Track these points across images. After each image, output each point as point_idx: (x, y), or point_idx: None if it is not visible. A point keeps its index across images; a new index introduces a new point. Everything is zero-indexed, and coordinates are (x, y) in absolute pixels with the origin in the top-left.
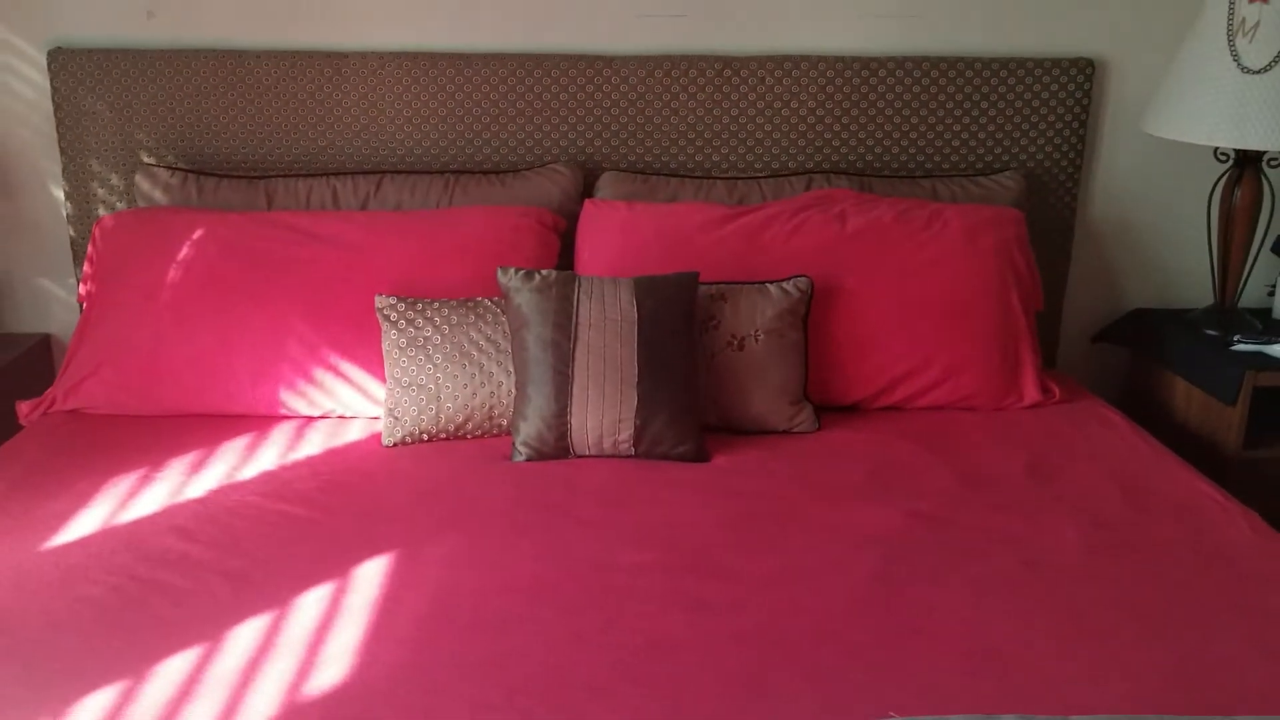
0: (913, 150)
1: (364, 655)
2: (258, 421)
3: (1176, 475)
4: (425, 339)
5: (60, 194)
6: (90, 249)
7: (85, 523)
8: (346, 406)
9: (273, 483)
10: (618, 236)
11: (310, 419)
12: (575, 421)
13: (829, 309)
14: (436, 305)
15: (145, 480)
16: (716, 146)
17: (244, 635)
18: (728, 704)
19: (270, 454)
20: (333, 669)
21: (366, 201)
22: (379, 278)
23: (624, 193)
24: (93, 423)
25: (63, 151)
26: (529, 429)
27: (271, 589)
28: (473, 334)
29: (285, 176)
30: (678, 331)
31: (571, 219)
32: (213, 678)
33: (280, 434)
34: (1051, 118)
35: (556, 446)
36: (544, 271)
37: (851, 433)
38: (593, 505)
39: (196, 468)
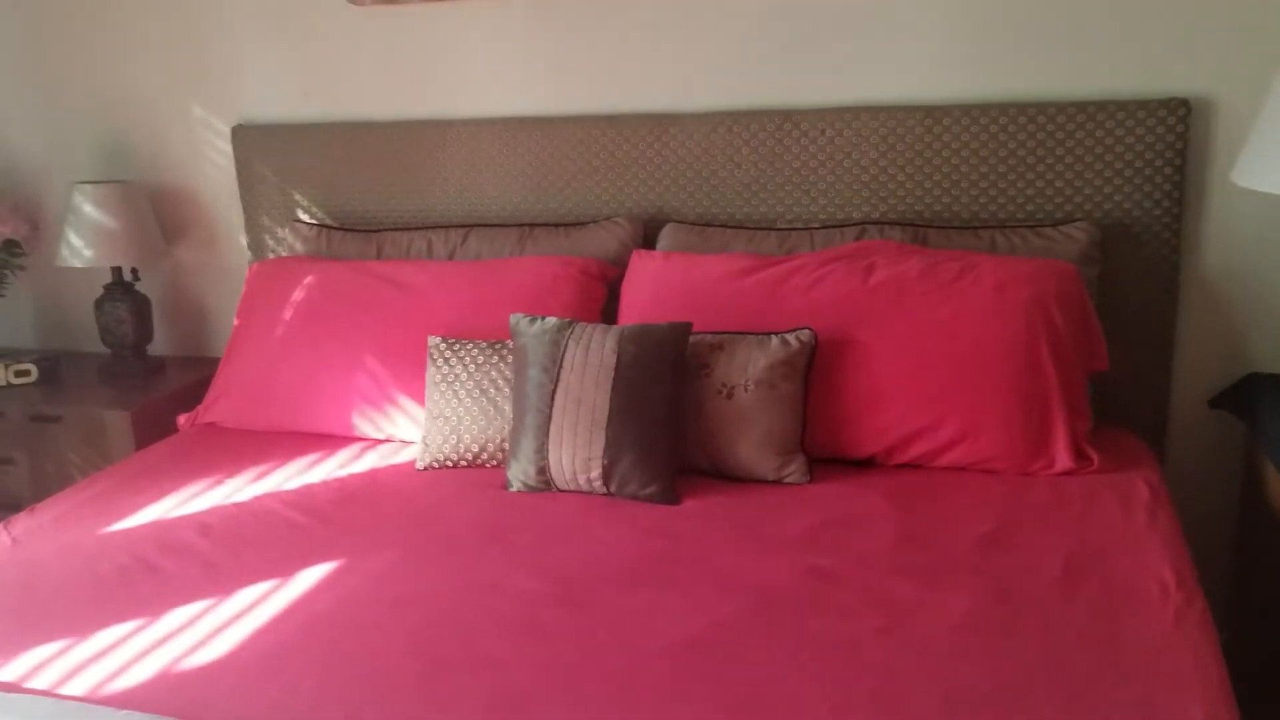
0: (984, 200)
1: (243, 643)
2: (334, 441)
3: (1146, 558)
4: (455, 376)
5: (244, 243)
6: (244, 290)
7: (146, 514)
8: (404, 432)
9: (304, 494)
10: (650, 286)
11: (377, 441)
12: (552, 457)
13: (841, 361)
14: (470, 346)
15: (215, 484)
16: (780, 198)
17: (179, 614)
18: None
19: (323, 469)
20: (213, 650)
21: (454, 252)
22: (436, 320)
23: (679, 244)
24: (217, 435)
25: (244, 209)
26: (517, 462)
27: (229, 579)
28: (493, 374)
29: (394, 230)
30: (658, 378)
31: (626, 269)
32: (132, 644)
33: (345, 454)
34: (1139, 163)
35: (538, 479)
36: (546, 319)
37: (839, 486)
38: (532, 534)
39: (260, 476)
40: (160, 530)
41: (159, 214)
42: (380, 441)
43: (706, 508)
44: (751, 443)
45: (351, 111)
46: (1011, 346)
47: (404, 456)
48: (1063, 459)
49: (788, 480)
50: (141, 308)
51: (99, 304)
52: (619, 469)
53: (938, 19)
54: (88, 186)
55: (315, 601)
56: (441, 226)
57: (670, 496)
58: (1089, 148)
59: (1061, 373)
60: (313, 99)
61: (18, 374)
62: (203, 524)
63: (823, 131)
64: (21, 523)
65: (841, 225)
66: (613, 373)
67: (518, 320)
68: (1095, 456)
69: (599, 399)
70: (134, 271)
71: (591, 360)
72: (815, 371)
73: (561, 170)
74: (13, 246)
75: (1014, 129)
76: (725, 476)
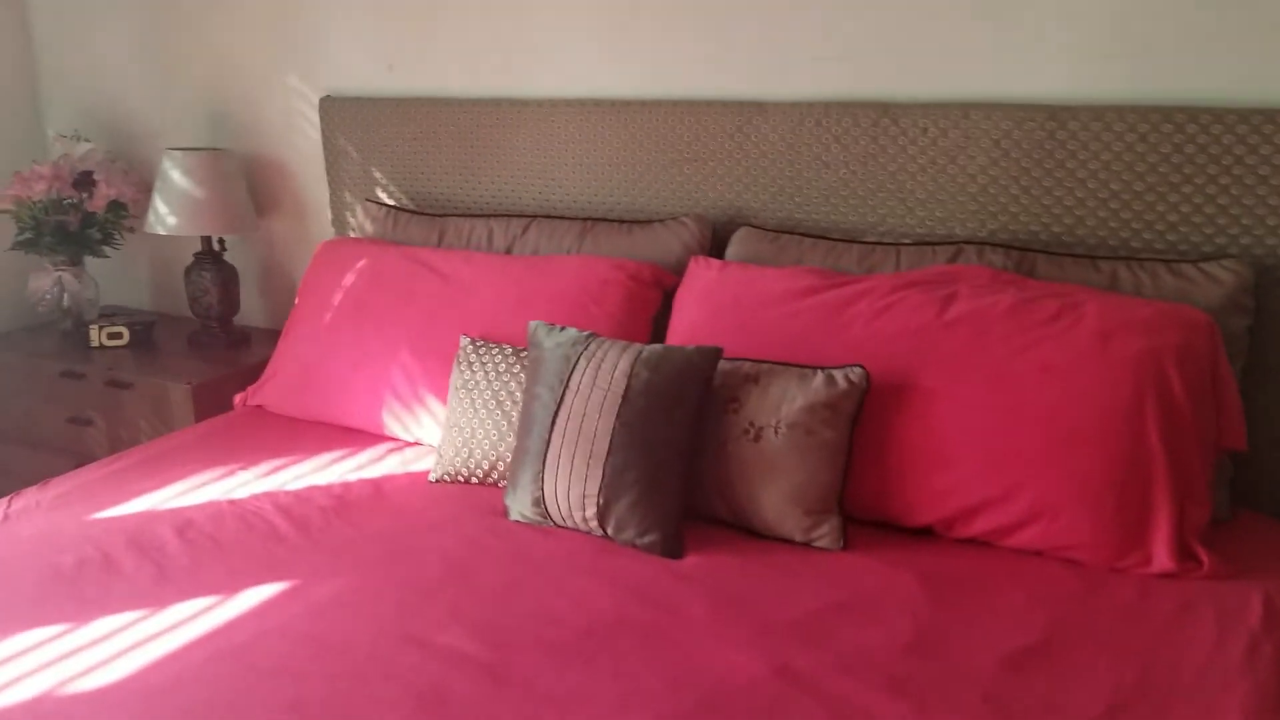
0: (1112, 224)
1: (134, 674)
2: (364, 439)
3: (1219, 711)
4: (475, 383)
5: (330, 219)
6: (308, 269)
7: (142, 502)
8: (431, 436)
9: (302, 498)
10: (700, 299)
11: (404, 444)
12: (548, 488)
13: (897, 408)
14: (495, 351)
15: (227, 474)
16: (871, 207)
17: (102, 625)
18: None
19: (338, 470)
20: (102, 676)
21: (513, 243)
22: (475, 318)
23: (749, 252)
24: (257, 420)
25: (329, 184)
26: (516, 490)
27: (174, 589)
28: (511, 385)
29: (457, 216)
30: (673, 410)
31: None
32: (39, 655)
33: (368, 454)
34: None
35: (535, 511)
36: (566, 330)
37: (873, 559)
38: (500, 579)
39: (273, 471)
40: (142, 523)
41: (254, 184)
42: (408, 444)
43: (709, 568)
44: (778, 496)
45: (431, 87)
46: (1110, 411)
47: (424, 464)
48: (1161, 557)
49: (817, 544)
50: (227, 278)
51: (188, 272)
52: (615, 511)
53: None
54: (176, 153)
55: (236, 632)
56: (505, 215)
57: (671, 548)
58: (1250, 167)
59: (1173, 449)
60: (397, 72)
61: (110, 336)
62: (186, 521)
63: (925, 130)
64: (28, 498)
65: (935, 243)
66: (620, 400)
67: (536, 329)
68: (1206, 558)
69: (601, 428)
70: (220, 241)
71: (600, 383)
72: (865, 417)
73: (634, 159)
74: (120, 209)
75: (1156, 138)
76: (746, 530)
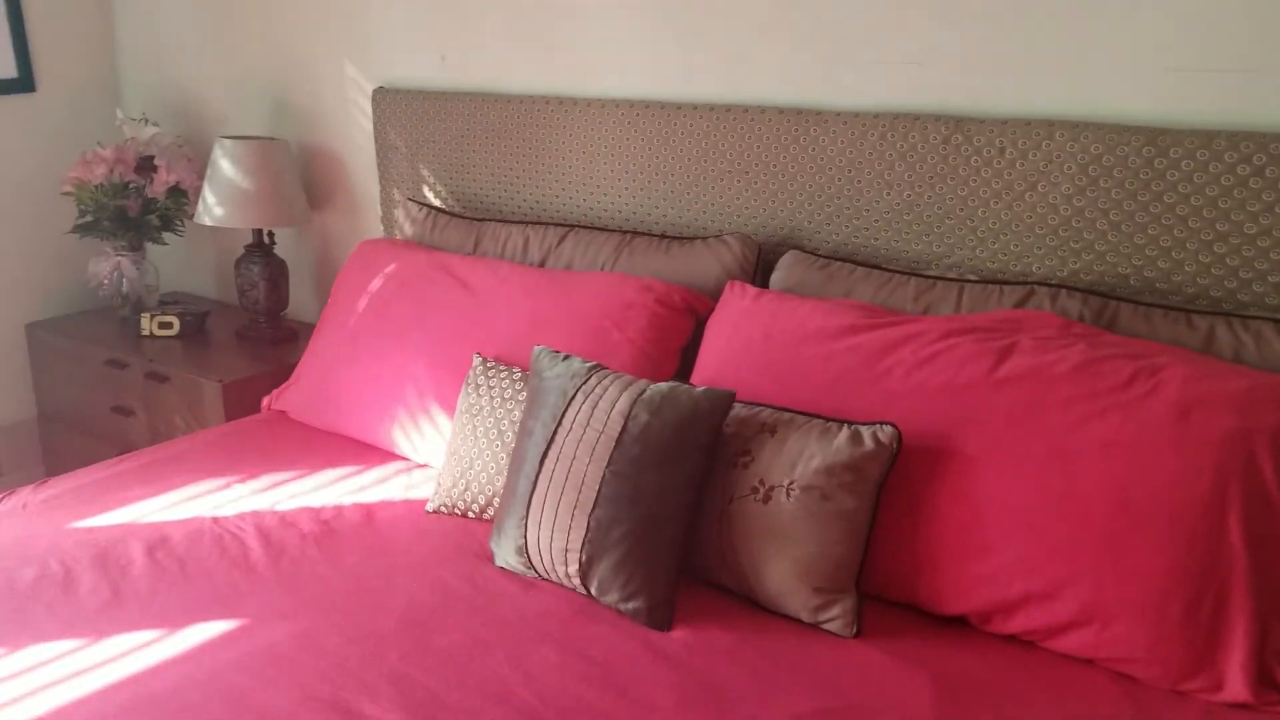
0: (1217, 271)
1: (63, 710)
2: (374, 456)
3: None
4: (479, 408)
5: (380, 215)
6: (342, 269)
7: (127, 512)
8: (439, 460)
9: (289, 520)
10: (730, 331)
11: (413, 465)
12: (530, 537)
13: (933, 476)
14: (503, 374)
15: (223, 487)
16: (937, 235)
17: (33, 653)
18: None
19: (337, 491)
20: (21, 713)
21: (548, 254)
22: (492, 335)
23: (794, 280)
24: (275, 427)
25: (380, 179)
26: (501, 535)
27: (120, 617)
28: (516, 413)
29: (496, 221)
30: (672, 461)
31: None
32: None
33: (374, 474)
34: None
35: (519, 560)
36: (571, 359)
37: (886, 653)
38: (457, 640)
39: (271, 487)
40: (118, 536)
41: (310, 176)
42: (417, 466)
43: (695, 647)
44: (784, 568)
45: (481, 81)
46: (1184, 501)
47: (427, 490)
48: (1234, 683)
49: (825, 626)
50: (275, 272)
51: (238, 264)
52: (598, 570)
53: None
54: (227, 141)
55: (159, 679)
56: (544, 223)
57: (658, 618)
58: None
59: (1258, 554)
60: (449, 64)
61: (161, 325)
62: (162, 538)
63: (1002, 150)
64: (19, 498)
65: (1005, 282)
66: (613, 444)
67: (539, 355)
68: None
69: (589, 475)
70: (269, 234)
71: (594, 423)
72: (894, 484)
73: (680, 168)
74: (179, 195)
75: (1276, 172)
76: (749, 601)
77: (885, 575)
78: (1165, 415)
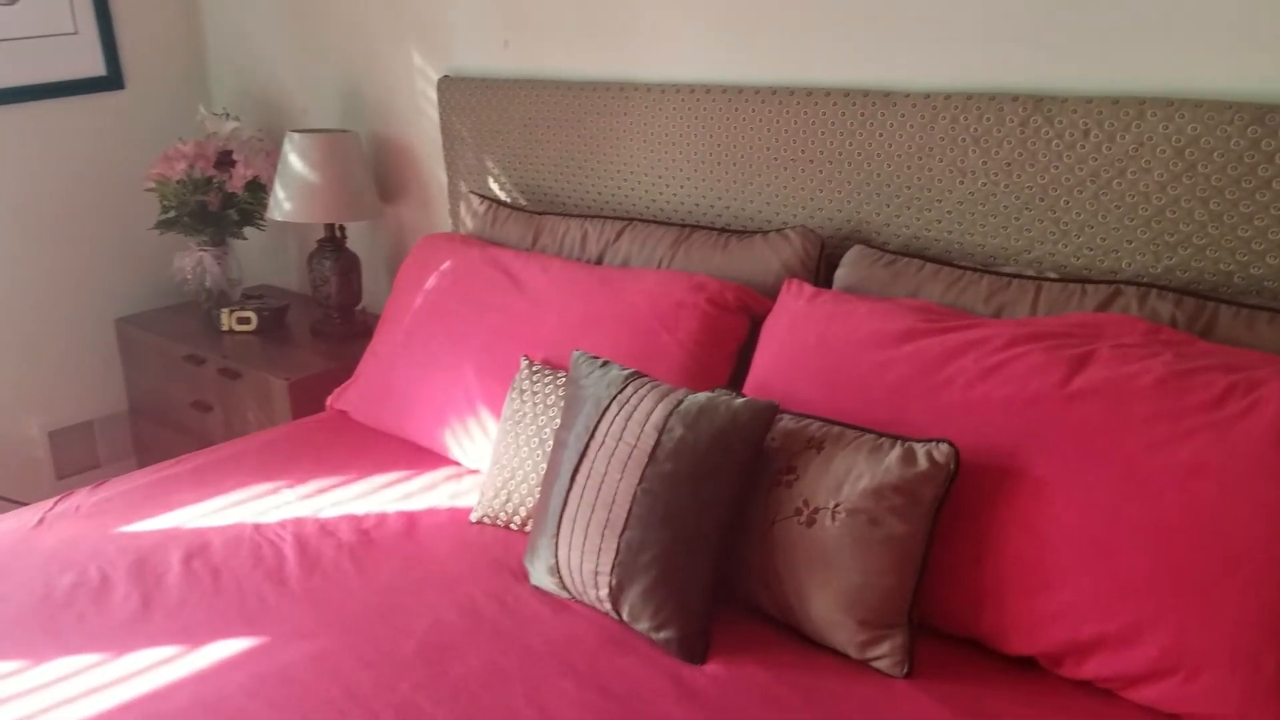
0: None
1: None
2: (427, 460)
3: None
4: (523, 415)
5: (448, 208)
6: (402, 265)
7: (175, 517)
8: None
9: (329, 528)
10: (785, 334)
11: (464, 471)
12: (561, 557)
13: (996, 501)
14: (549, 379)
15: (272, 491)
16: (1016, 227)
17: (55, 668)
18: None
19: (384, 497)
20: None
21: (604, 250)
22: (541, 337)
23: (859, 278)
24: (334, 427)
25: (447, 171)
26: (535, 554)
27: (144, 630)
28: (558, 421)
29: (555, 215)
30: (709, 479)
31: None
32: None
33: (423, 480)
34: None
35: (551, 580)
36: (610, 366)
37: (938, 698)
38: (472, 669)
39: (319, 492)
40: (159, 542)
41: (382, 168)
42: (468, 472)
43: (729, 684)
44: (829, 599)
45: (544, 67)
46: None
47: (474, 498)
48: None
49: (875, 664)
50: (347, 267)
51: (310, 259)
52: (628, 596)
53: None
54: (295, 135)
55: (164, 701)
56: (603, 217)
57: (691, 650)
58: None
59: None
60: (513, 50)
61: (240, 320)
62: (202, 544)
63: (1087, 132)
64: (74, 500)
65: (1087, 281)
66: (646, 460)
67: (578, 361)
68: None
69: (620, 493)
70: (340, 228)
71: (627, 437)
72: (952, 508)
73: (742, 156)
74: (258, 189)
75: None
76: (793, 631)
77: (942, 608)
78: (1263, 438)
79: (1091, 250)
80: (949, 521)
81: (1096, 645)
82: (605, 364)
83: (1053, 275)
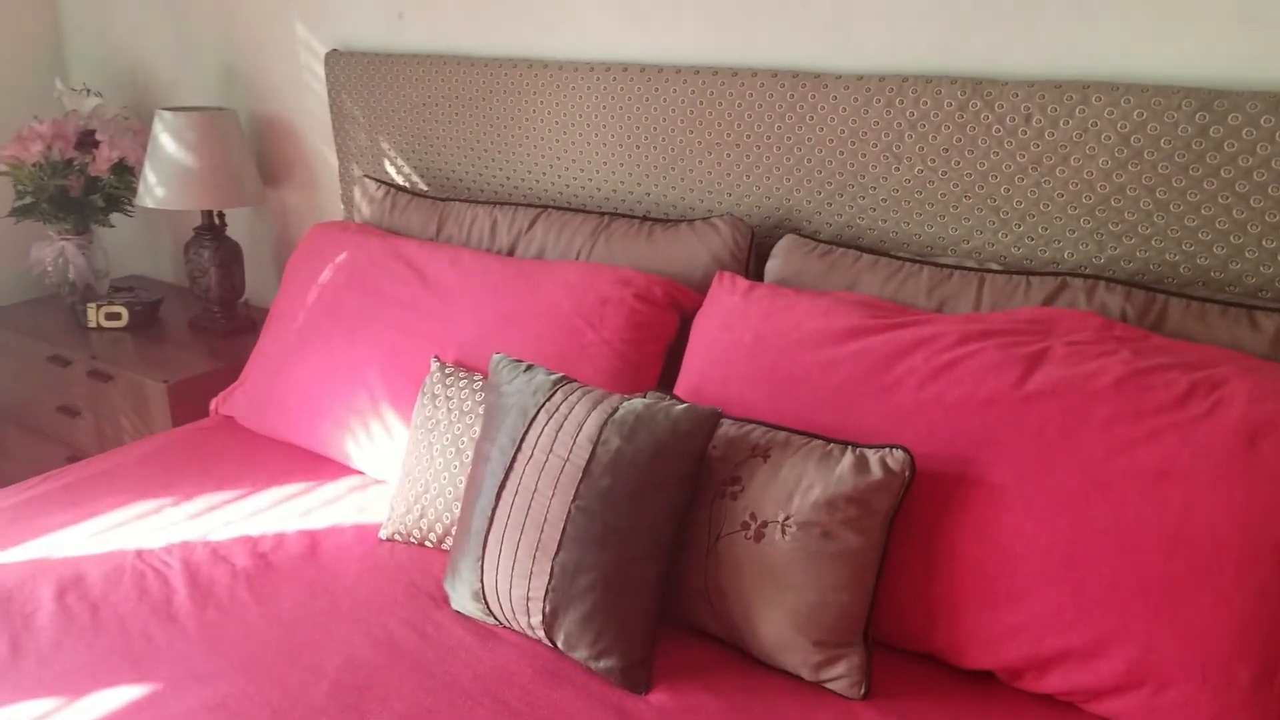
0: None
1: None
2: (329, 470)
3: None
4: (435, 423)
5: (340, 193)
6: (291, 256)
7: (44, 544)
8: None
9: (224, 551)
10: (718, 331)
11: (370, 482)
12: (488, 582)
13: (953, 509)
14: (463, 382)
15: (155, 510)
16: (953, 216)
17: None
18: None
19: (282, 513)
20: None
21: (516, 240)
22: (452, 336)
23: (792, 269)
24: (221, 435)
25: (337, 154)
26: (456, 577)
27: (17, 680)
28: (476, 429)
29: (461, 201)
30: (649, 493)
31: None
32: None
33: (325, 492)
34: None
35: (476, 605)
36: (536, 370)
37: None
38: (400, 703)
39: (209, 510)
40: (29, 574)
41: (265, 150)
42: (374, 482)
43: (679, 714)
44: (780, 618)
45: (444, 42)
46: (1254, 543)
47: (381, 513)
48: None
49: (830, 685)
50: (228, 257)
51: (187, 248)
52: (564, 623)
53: None
54: (167, 114)
55: None
56: (514, 204)
57: (634, 679)
58: None
59: None
60: (408, 23)
61: (109, 316)
62: (77, 576)
63: (1029, 117)
64: None
65: (1031, 273)
66: (579, 475)
67: (498, 365)
68: None
69: (553, 512)
70: (219, 215)
71: (558, 449)
72: (908, 518)
73: (664, 141)
74: (125, 173)
75: None
76: (748, 656)
77: (898, 624)
78: (1228, 439)
79: (1033, 240)
80: (903, 532)
81: (1059, 659)
82: (530, 368)
83: (995, 266)
